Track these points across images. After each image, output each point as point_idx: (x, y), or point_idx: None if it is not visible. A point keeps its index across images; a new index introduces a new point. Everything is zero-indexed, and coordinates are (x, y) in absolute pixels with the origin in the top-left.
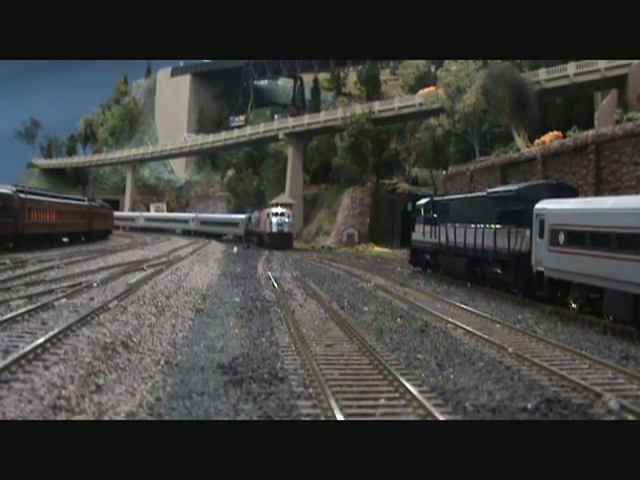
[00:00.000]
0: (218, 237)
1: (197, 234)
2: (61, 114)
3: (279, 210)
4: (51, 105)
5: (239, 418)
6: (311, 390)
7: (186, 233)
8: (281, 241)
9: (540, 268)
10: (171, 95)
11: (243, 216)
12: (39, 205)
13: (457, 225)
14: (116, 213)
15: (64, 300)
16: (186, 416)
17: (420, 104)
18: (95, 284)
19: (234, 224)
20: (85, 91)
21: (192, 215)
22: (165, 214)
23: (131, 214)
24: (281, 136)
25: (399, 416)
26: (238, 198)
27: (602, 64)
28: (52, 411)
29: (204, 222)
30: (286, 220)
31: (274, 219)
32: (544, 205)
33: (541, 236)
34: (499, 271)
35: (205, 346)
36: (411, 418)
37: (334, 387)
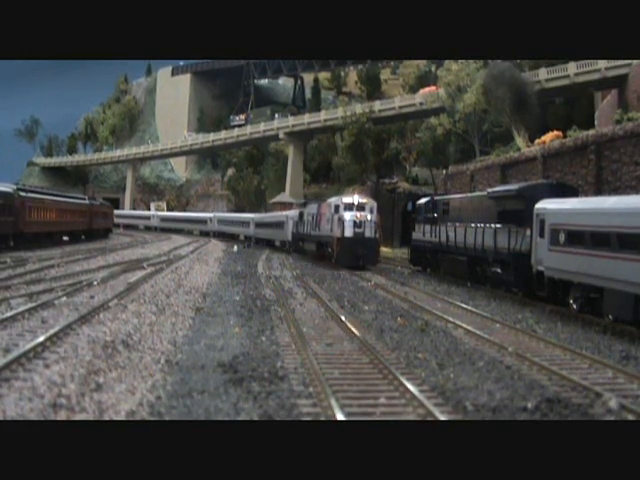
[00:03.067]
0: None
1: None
2: (61, 113)
3: (355, 200)
4: (51, 104)
5: (239, 417)
6: (311, 389)
7: (248, 239)
8: (357, 251)
9: (540, 268)
10: (171, 94)
11: (290, 213)
12: (39, 204)
13: (457, 224)
14: (174, 214)
15: (64, 298)
16: (186, 415)
17: (420, 103)
18: (95, 282)
19: (277, 225)
20: (85, 91)
21: (251, 216)
22: (234, 215)
23: (201, 215)
24: (281, 135)
25: (399, 416)
26: (238, 197)
27: (602, 64)
28: (52, 409)
29: (258, 224)
30: (368, 217)
31: (347, 215)
32: (544, 205)
33: (541, 236)
34: (499, 270)
35: (205, 345)
36: (411, 418)
37: (334, 386)
